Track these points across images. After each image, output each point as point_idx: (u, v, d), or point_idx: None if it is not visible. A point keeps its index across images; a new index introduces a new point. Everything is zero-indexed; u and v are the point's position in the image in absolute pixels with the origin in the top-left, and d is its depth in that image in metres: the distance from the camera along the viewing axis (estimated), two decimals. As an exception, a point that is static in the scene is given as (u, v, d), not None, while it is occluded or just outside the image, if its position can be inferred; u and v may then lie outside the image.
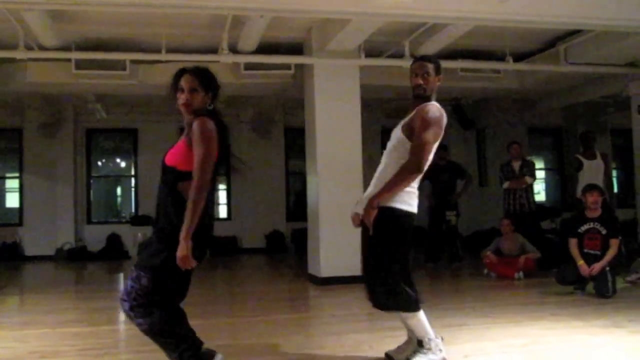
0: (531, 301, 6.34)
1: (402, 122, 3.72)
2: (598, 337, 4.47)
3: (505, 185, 8.58)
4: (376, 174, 3.79)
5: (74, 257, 11.20)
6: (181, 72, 3.16)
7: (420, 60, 3.80)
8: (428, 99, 3.70)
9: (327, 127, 7.58)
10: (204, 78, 3.15)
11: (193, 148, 2.97)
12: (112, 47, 7.81)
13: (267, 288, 7.83)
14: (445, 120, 3.64)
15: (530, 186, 8.62)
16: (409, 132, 3.62)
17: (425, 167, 3.58)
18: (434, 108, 3.64)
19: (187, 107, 3.09)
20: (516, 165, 8.61)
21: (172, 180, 3.03)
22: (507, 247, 8.06)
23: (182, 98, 3.10)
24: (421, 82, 3.68)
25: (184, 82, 3.11)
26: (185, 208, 2.90)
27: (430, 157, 3.61)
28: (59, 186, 11.61)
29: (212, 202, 3.14)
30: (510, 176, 8.56)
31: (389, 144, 3.77)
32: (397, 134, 3.71)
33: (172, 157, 3.06)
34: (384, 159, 3.78)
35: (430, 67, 3.71)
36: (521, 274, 7.63)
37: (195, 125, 2.99)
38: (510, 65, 8.29)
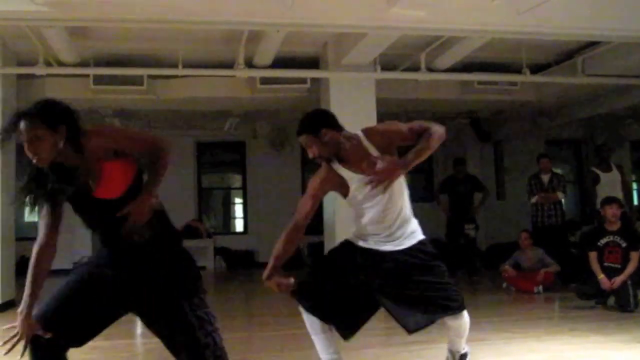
0: (551, 315, 6.27)
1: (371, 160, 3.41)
2: (620, 353, 4.38)
3: (534, 199, 8.45)
4: (381, 216, 3.53)
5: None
6: (17, 119, 2.36)
7: (299, 134, 3.49)
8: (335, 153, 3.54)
9: (344, 141, 7.56)
10: (45, 117, 2.36)
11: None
12: (129, 62, 7.88)
13: (283, 303, 7.79)
14: None
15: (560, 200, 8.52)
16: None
17: None
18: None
19: (40, 162, 2.37)
20: (545, 178, 8.50)
21: None
22: (526, 260, 7.97)
23: (29, 152, 2.36)
24: (312, 154, 3.46)
25: (23, 134, 2.34)
26: None
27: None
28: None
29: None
30: (539, 189, 8.46)
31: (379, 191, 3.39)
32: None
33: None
34: (381, 205, 3.50)
35: (304, 137, 3.49)
36: (540, 288, 7.55)
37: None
38: (527, 78, 8.22)
